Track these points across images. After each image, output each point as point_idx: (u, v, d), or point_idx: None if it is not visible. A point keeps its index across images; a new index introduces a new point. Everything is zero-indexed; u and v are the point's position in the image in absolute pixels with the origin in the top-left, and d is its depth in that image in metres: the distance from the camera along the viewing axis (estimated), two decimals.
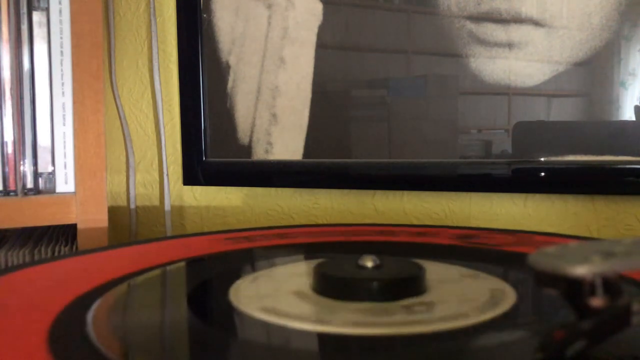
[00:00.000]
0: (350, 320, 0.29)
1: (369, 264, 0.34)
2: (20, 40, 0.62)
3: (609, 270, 0.21)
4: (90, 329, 0.29)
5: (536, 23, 0.59)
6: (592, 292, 0.21)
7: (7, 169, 0.62)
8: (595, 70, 0.58)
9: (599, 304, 0.21)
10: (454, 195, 0.67)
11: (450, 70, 0.63)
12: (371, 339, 0.27)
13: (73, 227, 0.65)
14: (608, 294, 0.21)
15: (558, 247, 0.24)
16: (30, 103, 0.63)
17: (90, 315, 0.31)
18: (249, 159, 0.73)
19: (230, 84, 0.73)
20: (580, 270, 0.21)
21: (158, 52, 0.78)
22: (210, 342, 0.28)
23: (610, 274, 0.21)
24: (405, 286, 0.33)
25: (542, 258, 0.22)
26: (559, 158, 0.59)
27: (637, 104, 0.56)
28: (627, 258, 0.22)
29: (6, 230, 0.69)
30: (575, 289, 0.22)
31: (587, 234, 0.62)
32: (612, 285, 0.22)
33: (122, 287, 0.37)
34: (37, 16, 0.63)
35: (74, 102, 0.63)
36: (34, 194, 0.63)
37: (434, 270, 0.39)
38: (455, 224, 0.66)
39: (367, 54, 0.66)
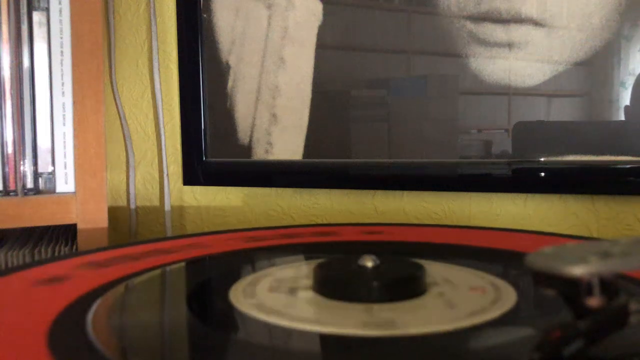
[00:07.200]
0: (350, 321, 0.29)
1: (369, 264, 0.34)
2: (20, 40, 0.62)
3: (606, 271, 0.21)
4: (90, 329, 0.29)
5: (536, 23, 0.59)
6: (589, 292, 0.21)
7: (7, 169, 0.62)
8: (595, 70, 0.58)
9: (596, 304, 0.21)
10: (454, 195, 0.67)
11: (450, 70, 0.63)
12: (371, 339, 0.28)
13: (73, 227, 0.65)
14: (605, 294, 0.21)
15: (556, 248, 0.24)
16: (30, 103, 0.63)
17: (90, 316, 0.31)
18: (249, 159, 0.73)
19: (230, 84, 0.73)
20: (578, 271, 0.21)
21: (158, 52, 0.78)
22: (210, 343, 0.28)
23: (607, 274, 0.21)
24: (405, 286, 0.33)
25: (540, 258, 0.22)
26: (559, 158, 0.59)
27: (628, 104, 0.56)
28: (625, 258, 0.22)
29: (6, 230, 0.69)
30: (572, 289, 0.22)
31: (587, 234, 0.62)
32: (609, 285, 0.22)
33: (122, 288, 0.37)
34: (37, 16, 0.63)
35: (74, 102, 0.63)
36: (34, 194, 0.63)
37: (434, 270, 0.39)
38: (455, 224, 0.66)
39: (367, 54, 0.66)
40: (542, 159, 0.60)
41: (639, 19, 0.56)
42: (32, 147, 0.63)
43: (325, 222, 0.73)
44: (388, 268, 0.34)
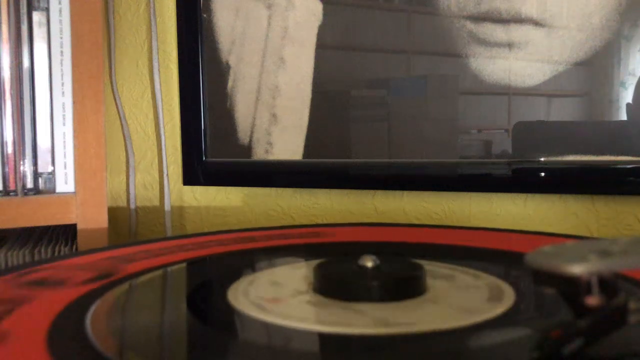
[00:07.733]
0: (350, 321, 0.29)
1: (369, 264, 0.34)
2: (20, 40, 0.62)
3: (605, 269, 0.21)
4: (89, 329, 0.29)
5: (536, 23, 0.59)
6: (589, 291, 0.21)
7: (7, 169, 0.62)
8: (595, 70, 0.58)
9: (596, 303, 0.21)
10: (454, 195, 0.67)
11: (450, 70, 0.63)
12: (371, 339, 0.27)
13: (73, 227, 0.65)
14: (604, 293, 0.21)
15: (555, 246, 0.24)
16: (30, 103, 0.63)
17: (89, 316, 0.31)
18: (249, 159, 0.73)
19: (230, 84, 0.73)
20: (577, 269, 0.21)
21: (158, 52, 0.78)
22: (209, 343, 0.28)
23: (606, 273, 0.21)
24: (405, 286, 0.33)
25: (540, 257, 0.22)
26: (559, 158, 0.59)
27: (629, 101, 0.56)
28: (624, 257, 0.22)
29: (6, 230, 0.69)
30: (572, 287, 0.22)
31: (587, 234, 0.62)
32: (608, 284, 0.22)
33: (121, 288, 0.37)
34: (37, 16, 0.63)
35: (74, 102, 0.63)
36: (34, 194, 0.63)
37: (433, 270, 0.39)
38: (455, 224, 0.66)
39: (367, 54, 0.66)
40: (542, 159, 0.60)
41: (639, 19, 0.56)
42: (32, 147, 0.63)
43: (325, 222, 0.73)
44: (388, 268, 0.34)
